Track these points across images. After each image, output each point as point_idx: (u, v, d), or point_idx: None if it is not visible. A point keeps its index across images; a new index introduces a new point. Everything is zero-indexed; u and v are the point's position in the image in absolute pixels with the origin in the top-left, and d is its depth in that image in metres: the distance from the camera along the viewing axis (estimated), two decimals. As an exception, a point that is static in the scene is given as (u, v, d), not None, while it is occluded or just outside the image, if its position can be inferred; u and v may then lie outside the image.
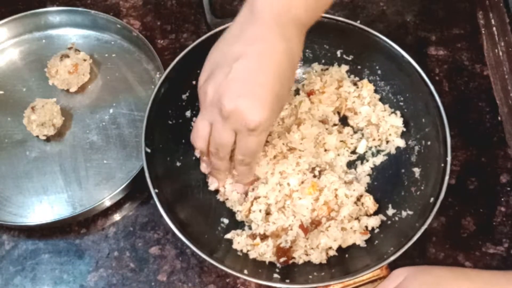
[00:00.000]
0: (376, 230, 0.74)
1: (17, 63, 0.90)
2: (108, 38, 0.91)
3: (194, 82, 0.79)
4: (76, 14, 0.90)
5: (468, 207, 0.79)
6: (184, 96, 0.79)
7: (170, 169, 0.75)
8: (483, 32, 0.91)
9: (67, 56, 0.85)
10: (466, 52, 0.90)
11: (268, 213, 0.75)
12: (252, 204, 0.74)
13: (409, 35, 0.92)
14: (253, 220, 0.74)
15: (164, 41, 0.92)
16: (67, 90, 0.87)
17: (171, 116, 0.78)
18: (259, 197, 0.74)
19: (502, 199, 0.80)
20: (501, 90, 0.86)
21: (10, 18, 0.90)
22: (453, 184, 0.81)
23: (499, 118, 0.85)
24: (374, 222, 0.74)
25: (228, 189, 0.76)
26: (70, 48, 0.86)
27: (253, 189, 0.75)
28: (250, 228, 0.75)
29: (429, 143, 0.75)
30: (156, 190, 0.69)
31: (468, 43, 0.91)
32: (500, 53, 0.87)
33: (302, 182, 0.75)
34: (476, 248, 0.77)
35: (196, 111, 0.80)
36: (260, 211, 0.74)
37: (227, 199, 0.77)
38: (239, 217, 0.75)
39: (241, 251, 0.72)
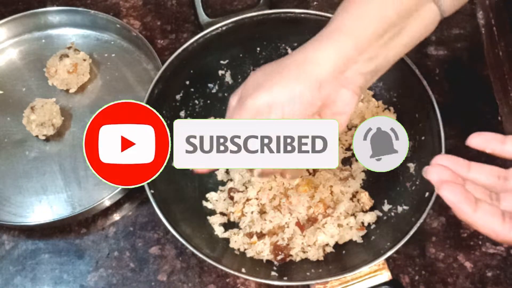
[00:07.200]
0: (373, 226, 0.74)
1: (17, 63, 0.90)
2: (107, 38, 0.91)
3: (187, 82, 0.79)
4: (75, 14, 0.90)
5: (468, 207, 0.79)
6: (178, 97, 0.79)
7: (166, 169, 0.75)
8: (483, 32, 0.91)
9: (67, 55, 0.85)
10: (466, 52, 0.90)
11: (263, 212, 0.75)
12: (244, 206, 0.74)
13: (409, 35, 0.92)
14: (244, 222, 0.74)
15: (164, 41, 0.92)
16: (67, 90, 0.87)
17: (165, 117, 0.77)
18: (250, 199, 0.75)
19: (502, 199, 0.79)
20: (501, 90, 0.86)
21: (10, 18, 0.90)
22: (453, 184, 0.80)
23: (499, 118, 0.85)
24: (370, 218, 0.74)
25: (214, 197, 0.77)
26: (69, 48, 0.86)
27: (242, 192, 0.76)
28: (246, 226, 0.75)
29: (423, 138, 0.74)
30: (152, 191, 0.69)
31: (468, 43, 0.91)
32: (500, 53, 0.87)
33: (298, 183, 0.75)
34: (476, 248, 0.77)
35: (190, 111, 0.80)
36: (252, 212, 0.74)
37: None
38: (232, 218, 0.76)
39: (238, 250, 0.73)
